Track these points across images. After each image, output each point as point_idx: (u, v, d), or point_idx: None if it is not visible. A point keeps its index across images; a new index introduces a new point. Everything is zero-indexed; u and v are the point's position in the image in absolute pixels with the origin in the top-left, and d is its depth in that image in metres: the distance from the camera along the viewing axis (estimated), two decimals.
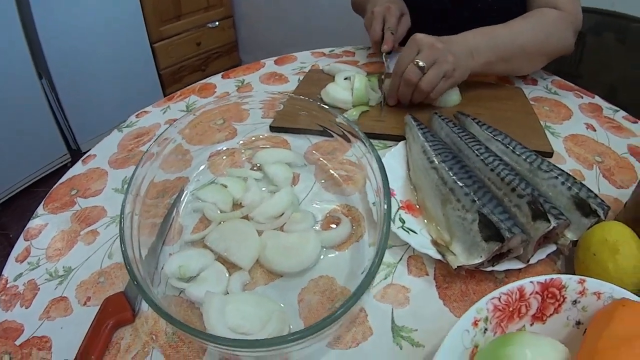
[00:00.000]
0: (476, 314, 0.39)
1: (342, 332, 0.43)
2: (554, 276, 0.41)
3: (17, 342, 0.43)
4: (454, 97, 0.73)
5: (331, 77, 0.78)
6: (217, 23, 2.39)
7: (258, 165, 0.62)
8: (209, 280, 0.46)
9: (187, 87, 0.83)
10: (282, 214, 0.54)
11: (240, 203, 0.56)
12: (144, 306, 0.46)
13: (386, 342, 0.43)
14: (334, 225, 0.53)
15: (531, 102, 0.78)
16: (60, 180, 0.66)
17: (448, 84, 0.69)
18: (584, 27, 1.04)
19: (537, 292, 0.41)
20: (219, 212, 0.55)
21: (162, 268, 0.48)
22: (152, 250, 0.49)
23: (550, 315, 0.42)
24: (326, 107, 0.57)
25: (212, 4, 2.35)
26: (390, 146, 0.64)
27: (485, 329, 0.39)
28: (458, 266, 0.46)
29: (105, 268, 0.51)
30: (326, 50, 0.96)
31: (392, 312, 0.45)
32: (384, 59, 0.78)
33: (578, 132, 0.72)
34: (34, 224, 0.57)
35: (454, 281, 0.48)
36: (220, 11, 2.40)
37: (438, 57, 0.66)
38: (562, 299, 0.42)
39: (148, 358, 0.41)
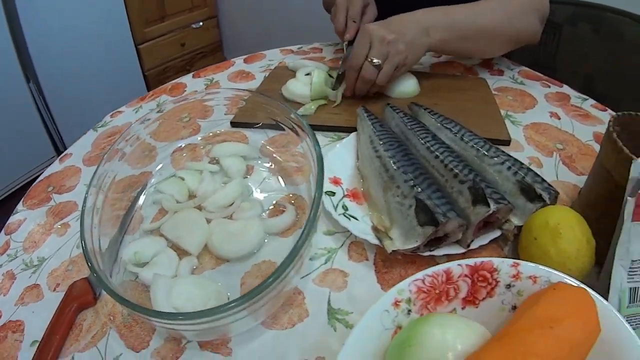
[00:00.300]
0: (397, 294, 0.37)
1: (279, 313, 0.44)
2: (485, 259, 0.40)
3: None
4: (411, 87, 0.71)
5: (294, 73, 0.76)
6: (201, 23, 2.37)
7: (215, 158, 0.62)
8: (161, 264, 0.47)
9: (160, 87, 0.83)
10: (233, 203, 0.54)
11: (195, 194, 0.57)
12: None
13: (321, 323, 0.43)
14: (279, 214, 0.53)
15: (495, 92, 0.76)
16: (39, 179, 0.67)
17: (402, 71, 0.68)
18: (560, 18, 1.02)
19: (466, 275, 0.39)
20: (175, 202, 0.56)
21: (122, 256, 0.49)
22: (114, 240, 0.51)
23: (483, 299, 0.40)
24: (280, 102, 0.57)
25: (196, 5, 2.32)
26: (344, 138, 0.62)
27: (409, 310, 0.38)
28: (393, 250, 0.45)
29: (74, 257, 0.52)
30: (294, 48, 0.95)
31: (329, 295, 0.45)
32: (344, 48, 0.76)
33: (541, 120, 0.70)
34: (14, 219, 0.59)
35: (394, 266, 0.47)
36: (204, 11, 2.37)
37: (390, 50, 0.65)
38: (494, 283, 0.40)
39: (105, 337, 0.42)
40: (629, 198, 0.41)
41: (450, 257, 0.47)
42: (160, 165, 0.63)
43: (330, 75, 0.74)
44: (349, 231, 0.49)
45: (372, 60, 0.65)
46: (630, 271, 0.42)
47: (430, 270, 0.38)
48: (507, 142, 0.63)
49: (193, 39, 2.37)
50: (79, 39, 1.85)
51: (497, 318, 0.40)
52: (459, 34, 0.71)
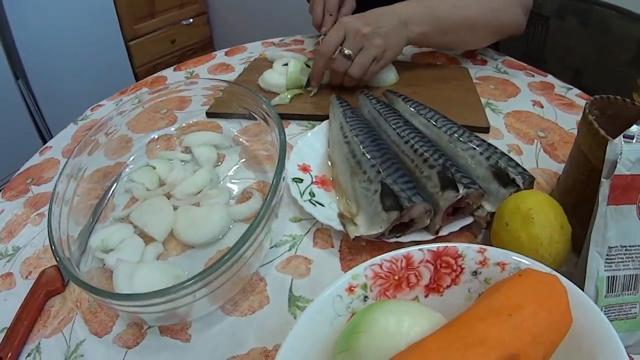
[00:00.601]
0: (352, 279, 0.34)
1: (240, 300, 0.42)
2: (449, 244, 0.36)
3: None
4: (390, 76, 0.68)
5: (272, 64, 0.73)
6: (191, 20, 2.31)
7: (188, 148, 0.60)
8: (126, 250, 0.46)
9: (141, 80, 0.81)
10: (201, 191, 0.53)
11: (165, 182, 0.55)
12: None
13: (281, 310, 0.41)
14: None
15: (476, 81, 0.72)
16: (19, 171, 0.66)
17: (380, 65, 0.64)
18: (548, 11, 0.98)
19: (427, 261, 0.36)
20: (145, 190, 0.55)
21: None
22: (86, 228, 0.50)
23: (448, 286, 0.37)
24: (252, 92, 0.54)
25: (186, 1, 2.26)
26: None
27: (366, 297, 0.34)
28: (356, 236, 0.41)
29: (47, 246, 0.51)
30: (276, 40, 0.92)
31: (292, 283, 0.43)
32: (320, 42, 0.73)
33: (523, 108, 0.67)
34: None
35: (360, 253, 0.44)
36: (195, 8, 2.31)
37: (364, 42, 0.62)
38: (459, 270, 0.36)
39: (71, 323, 0.41)
40: (603, 180, 0.38)
41: (418, 244, 0.44)
42: (135, 156, 0.61)
43: (308, 65, 0.71)
44: (315, 218, 0.46)
45: (343, 51, 0.61)
46: (607, 259, 0.38)
47: (388, 255, 0.35)
48: (485, 130, 0.60)
49: (183, 36, 2.31)
50: (68, 35, 1.80)
51: (464, 307, 0.36)
52: (439, 27, 0.67)
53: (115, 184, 0.57)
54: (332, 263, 0.44)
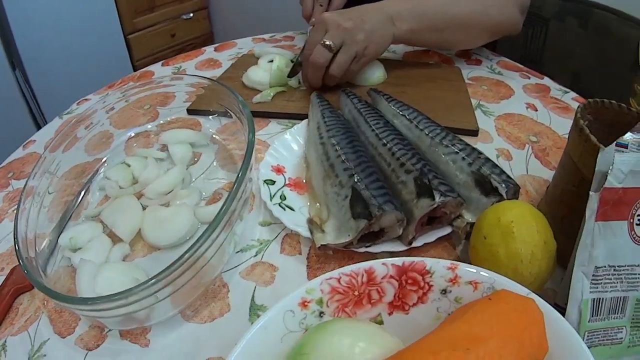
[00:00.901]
0: (305, 294, 0.30)
1: (201, 306, 0.39)
2: (416, 259, 0.32)
3: None
4: (377, 74, 0.64)
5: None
6: (191, 14, 2.23)
7: (165, 145, 0.57)
8: (93, 250, 0.44)
9: (128, 75, 0.77)
10: (172, 190, 0.49)
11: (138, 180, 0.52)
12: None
13: (241, 319, 0.38)
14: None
15: (469, 82, 0.68)
16: (1, 165, 0.63)
17: (361, 63, 0.60)
18: (548, 13, 0.92)
19: (391, 276, 0.32)
20: (118, 188, 0.52)
21: None
22: (57, 225, 0.47)
23: (414, 304, 0.33)
24: (229, 89, 0.51)
25: None
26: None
27: (322, 313, 0.31)
28: (322, 245, 0.37)
29: None
30: (267, 36, 0.88)
31: (254, 291, 0.39)
32: (308, 33, 0.69)
33: (516, 111, 0.62)
34: None
35: (328, 262, 0.41)
36: (195, 2, 2.24)
37: (345, 37, 0.57)
38: (427, 287, 0.32)
39: (37, 321, 0.39)
40: (592, 194, 0.33)
41: (392, 255, 0.40)
42: (112, 152, 0.58)
43: (293, 62, 0.66)
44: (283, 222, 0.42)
45: (324, 42, 0.57)
46: (593, 280, 0.33)
47: (348, 269, 0.31)
48: (474, 133, 0.55)
49: (183, 30, 2.24)
50: (67, 27, 1.75)
51: (431, 327, 0.32)
52: (428, 24, 0.62)
53: (91, 181, 0.54)
54: (298, 271, 0.40)
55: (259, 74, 0.64)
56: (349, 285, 0.31)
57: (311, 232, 0.39)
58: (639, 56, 0.66)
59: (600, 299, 0.33)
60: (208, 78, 0.55)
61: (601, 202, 0.33)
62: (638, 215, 0.33)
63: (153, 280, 0.31)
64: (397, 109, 0.51)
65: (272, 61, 0.65)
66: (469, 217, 0.41)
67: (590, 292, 0.33)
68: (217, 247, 0.36)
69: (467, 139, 0.46)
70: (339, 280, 0.31)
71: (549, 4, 0.91)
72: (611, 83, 0.84)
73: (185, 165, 0.52)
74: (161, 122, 0.61)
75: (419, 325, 0.32)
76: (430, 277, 0.32)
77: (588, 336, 0.33)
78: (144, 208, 0.47)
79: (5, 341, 0.38)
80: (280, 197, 0.44)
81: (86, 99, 0.73)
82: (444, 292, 0.32)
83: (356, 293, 0.31)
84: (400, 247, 0.39)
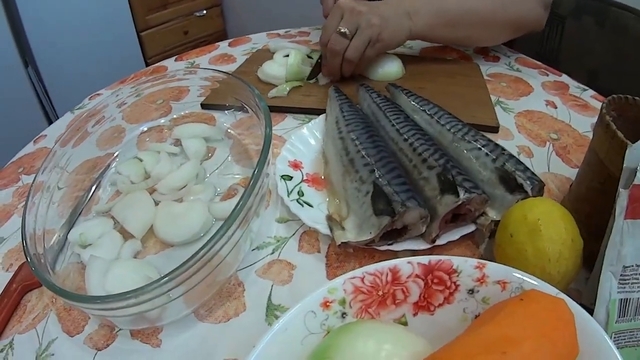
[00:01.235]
0: (328, 294, 0.29)
1: (215, 306, 0.37)
2: (443, 257, 0.31)
3: None
4: (395, 69, 0.62)
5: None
6: (204, 12, 2.20)
7: (178, 140, 0.55)
8: (103, 246, 0.42)
9: (141, 69, 0.76)
10: (186, 186, 0.47)
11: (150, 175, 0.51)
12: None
13: (258, 319, 0.36)
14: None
15: (488, 78, 0.66)
16: (12, 160, 0.62)
17: (376, 49, 0.58)
18: (565, 11, 0.90)
19: (417, 275, 0.30)
20: (130, 184, 0.50)
21: None
22: (67, 221, 0.46)
23: (440, 305, 0.31)
24: (245, 83, 0.49)
25: None
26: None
27: (344, 314, 0.29)
28: (343, 242, 0.36)
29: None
30: (281, 31, 0.86)
31: (271, 290, 0.37)
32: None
33: (535, 108, 0.60)
34: None
35: (348, 260, 0.39)
36: (208, 0, 2.22)
37: (360, 21, 0.56)
38: (453, 287, 0.31)
39: (45, 319, 0.38)
40: (621, 190, 0.31)
41: (414, 253, 0.38)
42: (124, 147, 0.56)
43: (310, 57, 0.65)
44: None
45: (339, 30, 0.56)
46: (621, 279, 0.32)
47: (372, 268, 0.30)
48: (495, 129, 0.53)
49: (196, 27, 2.21)
50: (79, 24, 1.73)
51: (458, 329, 0.30)
52: (446, 20, 0.60)
53: (103, 176, 0.53)
54: (317, 270, 0.38)
55: (275, 69, 0.62)
56: (373, 284, 0.29)
57: (331, 230, 0.37)
58: None
59: (627, 299, 0.31)
60: (223, 72, 0.54)
61: (630, 199, 0.31)
62: None
63: (166, 279, 0.30)
64: (417, 104, 0.49)
65: (287, 56, 0.63)
66: (493, 214, 0.39)
67: (618, 291, 0.31)
68: (233, 245, 0.34)
69: (488, 136, 0.45)
70: (362, 280, 0.29)
71: (566, 2, 0.89)
72: (628, 81, 0.82)
73: (199, 160, 0.50)
74: (174, 116, 0.59)
75: (445, 327, 0.30)
76: (457, 276, 0.30)
77: (615, 337, 0.31)
78: (156, 204, 0.45)
79: (13, 339, 0.37)
80: (298, 193, 0.42)
81: (98, 94, 0.72)
82: (471, 292, 0.30)
83: (380, 293, 0.30)
84: (423, 245, 0.37)
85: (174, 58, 0.79)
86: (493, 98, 0.60)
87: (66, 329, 0.37)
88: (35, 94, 1.71)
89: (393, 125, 0.45)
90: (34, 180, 0.41)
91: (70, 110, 0.69)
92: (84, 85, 1.82)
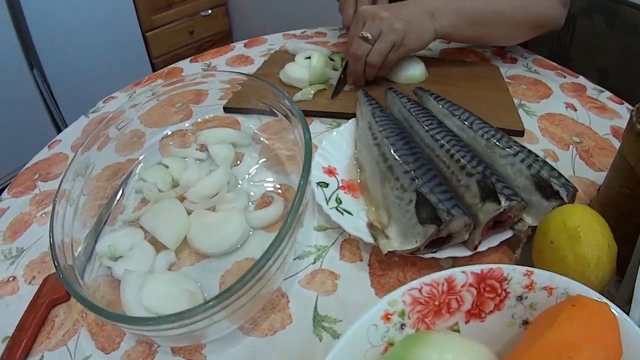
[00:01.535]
0: (388, 306, 0.30)
1: (260, 319, 0.37)
2: (493, 266, 0.32)
3: None
4: (418, 73, 0.63)
5: (294, 57, 0.68)
6: (209, 11, 2.23)
7: (204, 145, 0.55)
8: (135, 259, 0.42)
9: (156, 72, 0.76)
10: (217, 193, 0.48)
11: (179, 183, 0.50)
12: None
13: (305, 332, 0.36)
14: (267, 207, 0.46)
15: (508, 81, 0.67)
16: (26, 166, 0.62)
17: (400, 53, 0.59)
18: (575, 9, 0.92)
19: (470, 284, 0.32)
20: (157, 191, 0.50)
21: None
22: (93, 231, 0.45)
23: (491, 312, 0.32)
24: (273, 86, 0.49)
25: None
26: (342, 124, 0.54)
27: (403, 325, 0.30)
28: (389, 251, 0.37)
29: None
30: (298, 32, 0.86)
31: (317, 300, 0.38)
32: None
33: (556, 111, 0.62)
34: None
35: (391, 269, 0.40)
36: None
37: (383, 26, 0.56)
38: (504, 294, 0.32)
39: (76, 335, 0.38)
40: None
41: (455, 261, 0.40)
42: (147, 152, 0.56)
43: (332, 59, 0.66)
44: (341, 228, 0.41)
45: (362, 34, 0.56)
46: None
47: (428, 278, 0.31)
48: (520, 133, 0.55)
49: (202, 27, 2.24)
50: (84, 25, 1.74)
51: (505, 334, 0.32)
52: (469, 19, 0.61)
53: (126, 183, 0.53)
54: (361, 279, 0.39)
55: (297, 71, 0.63)
56: (430, 295, 0.31)
57: (375, 238, 0.39)
58: None
59: None
60: (245, 74, 0.54)
61: None
62: None
63: (212, 303, 0.29)
64: (447, 108, 0.50)
65: (309, 58, 0.64)
66: (529, 220, 0.40)
67: None
68: (283, 259, 0.34)
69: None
70: (420, 291, 0.30)
71: (577, 1, 0.91)
72: (637, 79, 0.84)
73: (229, 167, 0.50)
74: (197, 120, 0.59)
75: (493, 332, 0.32)
76: (507, 283, 0.32)
77: None
78: (188, 213, 0.45)
79: (43, 356, 0.36)
80: (336, 200, 0.43)
81: (112, 97, 0.72)
82: (520, 298, 0.32)
83: (436, 303, 0.31)
84: (465, 252, 0.39)
85: (189, 59, 0.79)
86: (515, 101, 0.61)
87: (100, 345, 0.37)
88: (41, 95, 1.70)
89: (427, 131, 0.46)
90: (59, 187, 0.40)
91: (84, 114, 0.69)
92: (89, 86, 1.84)
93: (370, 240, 0.39)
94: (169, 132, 0.58)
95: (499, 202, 0.37)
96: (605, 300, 0.28)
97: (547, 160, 0.52)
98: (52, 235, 0.36)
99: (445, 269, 0.31)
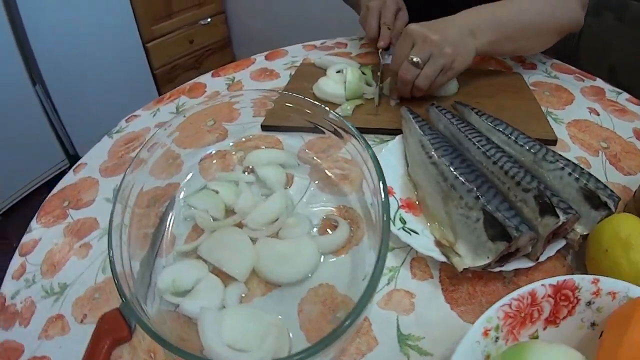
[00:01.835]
0: (486, 323, 0.36)
1: (346, 344, 0.41)
2: (567, 277, 0.38)
3: None
4: (451, 86, 0.69)
5: (323, 71, 0.73)
6: (209, 20, 2.34)
7: (250, 167, 0.58)
8: (204, 293, 0.43)
9: (177, 87, 0.79)
10: (277, 219, 0.50)
11: (233, 209, 0.52)
12: None
13: (392, 352, 0.40)
14: (330, 230, 0.50)
15: (531, 88, 0.74)
16: (53, 192, 0.63)
17: (448, 76, 0.65)
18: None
19: (549, 295, 0.38)
20: (211, 219, 0.52)
21: (156, 282, 0.45)
22: (145, 263, 0.46)
23: (564, 318, 0.39)
24: (316, 102, 0.53)
25: (203, 1, 2.31)
26: (387, 141, 0.60)
27: (497, 338, 0.36)
28: (464, 269, 0.43)
29: (100, 283, 0.49)
30: (317, 43, 0.91)
31: (397, 320, 0.43)
32: (380, 56, 0.74)
33: (581, 117, 0.69)
34: (28, 238, 0.55)
35: (461, 283, 0.45)
36: (212, 7, 2.36)
37: (433, 50, 0.61)
38: (575, 301, 0.39)
39: None
40: None
41: (517, 272, 0.46)
42: (190, 176, 0.58)
43: (363, 73, 0.71)
44: (408, 246, 0.47)
45: (411, 59, 0.62)
46: None
47: (515, 294, 0.37)
48: (553, 142, 0.62)
49: (201, 36, 2.36)
50: (85, 38, 1.81)
51: (576, 336, 0.39)
52: (506, 34, 0.67)
53: (171, 209, 0.54)
54: (435, 295, 0.44)
55: (331, 86, 0.67)
56: (518, 308, 0.37)
57: (447, 257, 0.45)
58: None
59: None
60: (276, 90, 0.57)
61: None
62: None
63: (312, 350, 0.31)
64: (490, 123, 0.56)
65: (340, 71, 0.69)
66: (580, 229, 0.47)
67: None
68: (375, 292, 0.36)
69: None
70: (510, 306, 0.37)
71: None
72: None
73: (284, 190, 0.53)
74: (236, 140, 0.62)
75: (566, 336, 0.38)
76: (579, 292, 0.38)
77: None
78: (252, 241, 0.47)
79: None
80: (400, 220, 0.49)
81: (135, 115, 0.74)
82: (589, 303, 0.38)
83: (522, 315, 0.37)
84: (528, 264, 0.45)
85: (210, 74, 0.82)
86: (542, 109, 0.69)
87: None
88: (44, 111, 1.76)
89: (478, 148, 0.52)
90: (111, 218, 0.41)
91: (107, 134, 0.71)
92: (92, 100, 1.91)
93: (441, 258, 0.45)
94: (212, 152, 0.60)
95: (558, 216, 0.44)
96: None
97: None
98: (114, 270, 0.37)
99: (522, 280, 0.37)
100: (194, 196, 0.55)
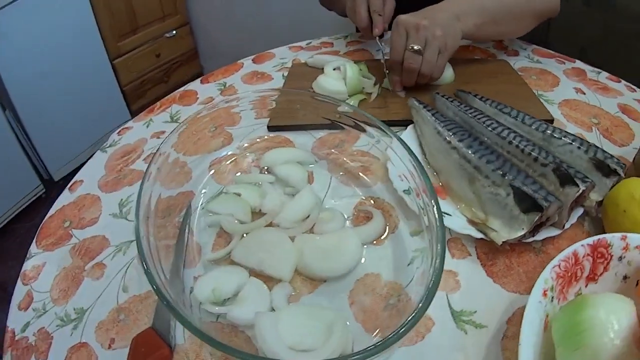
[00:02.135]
0: (544, 284, 0.41)
1: None
2: (600, 237, 0.45)
3: None
4: (449, 74, 0.76)
5: (317, 70, 0.78)
6: (174, 32, 2.44)
7: (267, 168, 0.61)
8: (250, 298, 0.45)
9: (167, 96, 0.81)
10: (308, 216, 0.54)
11: (260, 210, 0.55)
12: (180, 339, 0.45)
13: (450, 329, 0.44)
14: (363, 221, 0.54)
15: (520, 73, 0.82)
16: (49, 213, 0.63)
17: (445, 57, 0.71)
18: None
19: (588, 254, 0.44)
20: (238, 223, 0.54)
21: (191, 293, 0.47)
22: (174, 274, 0.47)
23: (601, 274, 0.45)
24: (326, 98, 0.57)
25: (167, 13, 2.39)
26: (397, 132, 0.65)
27: (552, 297, 0.42)
28: (503, 242, 0.49)
29: (122, 303, 0.49)
30: (303, 44, 0.96)
31: (447, 298, 0.47)
32: (378, 43, 0.79)
33: (570, 97, 0.77)
34: (29, 265, 0.55)
35: (497, 257, 0.51)
36: (176, 19, 2.45)
37: (427, 35, 0.68)
38: (609, 257, 0.45)
39: None
40: None
41: (545, 241, 0.52)
42: (203, 182, 0.61)
43: (361, 69, 0.77)
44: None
45: (412, 47, 0.68)
46: None
47: (562, 255, 0.43)
48: (551, 122, 0.69)
49: (168, 49, 2.45)
50: (52, 60, 1.88)
51: (612, 290, 0.45)
52: (489, 18, 0.75)
53: (190, 218, 0.55)
54: (476, 271, 0.49)
55: (332, 83, 0.72)
56: (565, 269, 0.43)
57: (484, 233, 0.50)
58: None
59: None
60: (277, 89, 0.61)
61: None
62: None
63: (379, 346, 0.34)
64: (495, 107, 0.64)
65: (337, 68, 0.75)
66: (595, 196, 0.55)
67: None
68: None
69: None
70: (559, 267, 0.43)
71: None
72: (616, 53, 1.05)
73: (310, 187, 0.57)
74: (241, 143, 0.65)
75: (605, 290, 0.45)
76: (611, 248, 0.45)
77: None
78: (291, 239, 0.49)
79: None
80: None
81: (127, 128, 0.75)
82: (620, 258, 0.45)
83: (569, 274, 0.43)
84: (555, 232, 0.51)
85: (199, 80, 0.85)
86: (533, 92, 0.77)
87: None
88: (16, 136, 1.81)
89: (491, 130, 0.59)
90: (137, 232, 0.42)
91: (100, 149, 0.72)
92: (62, 118, 1.97)
93: (478, 235, 0.50)
94: (222, 156, 0.63)
95: (577, 185, 0.51)
96: None
97: None
98: (151, 277, 0.38)
99: (550, 249, 0.43)
100: (214, 201, 0.57)
